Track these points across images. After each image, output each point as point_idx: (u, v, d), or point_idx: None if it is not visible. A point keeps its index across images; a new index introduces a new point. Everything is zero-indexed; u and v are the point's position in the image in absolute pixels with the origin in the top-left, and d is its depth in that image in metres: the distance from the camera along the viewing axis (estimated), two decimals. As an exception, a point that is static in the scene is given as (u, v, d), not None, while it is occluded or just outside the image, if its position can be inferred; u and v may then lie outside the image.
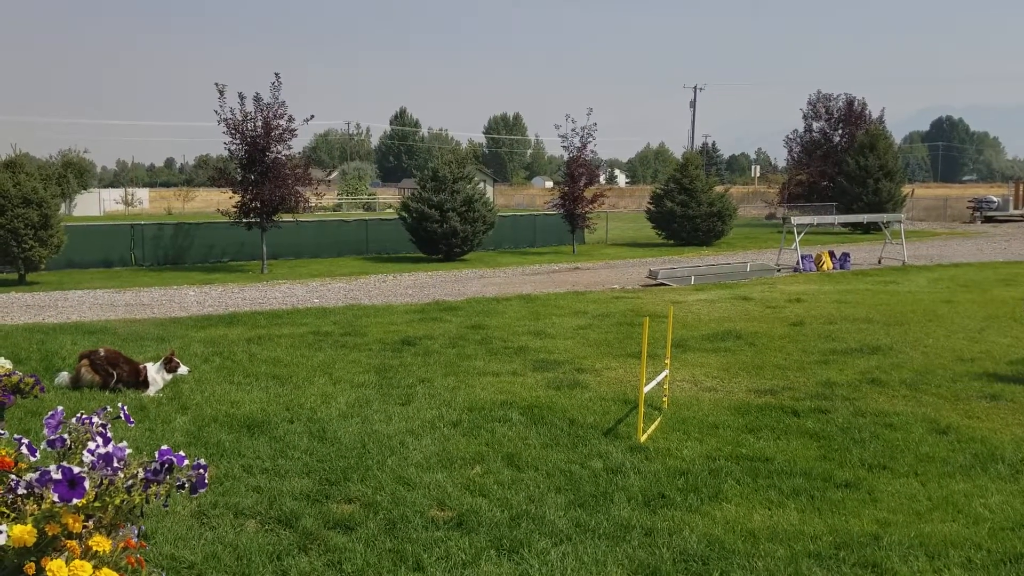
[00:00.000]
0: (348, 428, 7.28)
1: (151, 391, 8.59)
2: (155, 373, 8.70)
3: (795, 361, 10.23)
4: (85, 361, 8.72)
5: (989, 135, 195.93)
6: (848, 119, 45.38)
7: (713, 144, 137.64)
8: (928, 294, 16.47)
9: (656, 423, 7.43)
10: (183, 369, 8.92)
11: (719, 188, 35.19)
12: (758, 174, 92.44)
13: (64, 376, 8.86)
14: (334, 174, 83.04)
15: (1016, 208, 48.15)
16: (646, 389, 7.13)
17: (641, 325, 7.19)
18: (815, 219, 26.95)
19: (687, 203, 31.88)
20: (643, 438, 6.95)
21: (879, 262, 24.20)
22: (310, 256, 27.69)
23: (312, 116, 24.76)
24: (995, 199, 49.46)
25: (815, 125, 46.73)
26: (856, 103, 45.66)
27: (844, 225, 37.65)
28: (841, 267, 22.85)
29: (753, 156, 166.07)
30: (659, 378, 7.92)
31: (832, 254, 23.32)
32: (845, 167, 40.15)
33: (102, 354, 8.78)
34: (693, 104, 79.77)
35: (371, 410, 7.90)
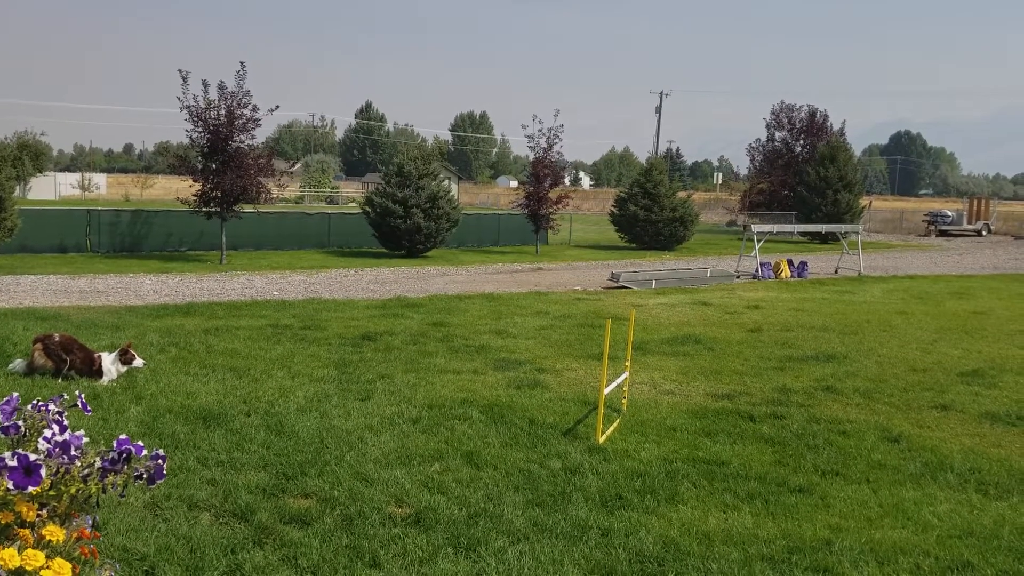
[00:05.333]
0: (306, 422, 7.22)
1: (104, 380, 8.43)
2: (110, 364, 8.54)
3: (752, 367, 10.36)
4: (39, 345, 8.52)
5: (946, 151, 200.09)
6: (810, 130, 46.08)
7: (677, 150, 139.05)
8: (883, 305, 16.78)
9: (615, 425, 7.48)
10: (139, 361, 8.76)
11: (682, 194, 35.44)
12: (720, 181, 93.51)
13: (19, 363, 8.65)
14: (297, 166, 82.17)
15: (970, 223, 49.26)
16: (606, 391, 7.17)
17: (602, 327, 7.24)
18: (775, 227, 27.33)
19: (650, 207, 32.09)
20: (602, 439, 6.99)
21: (836, 272, 24.60)
22: (271, 248, 27.38)
23: (277, 106, 24.50)
24: (950, 213, 50.51)
25: (777, 135, 47.38)
26: (818, 114, 46.39)
27: (803, 234, 38.20)
28: (799, 275, 23.18)
29: (716, 163, 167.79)
30: (619, 380, 7.97)
31: (790, 262, 23.65)
32: (805, 177, 40.76)
33: (56, 339, 8.58)
34: (659, 110, 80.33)
35: (330, 405, 7.84)
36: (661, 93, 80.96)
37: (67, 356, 8.49)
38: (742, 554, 4.92)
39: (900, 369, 10.37)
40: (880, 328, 13.58)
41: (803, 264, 23.90)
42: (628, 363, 8.41)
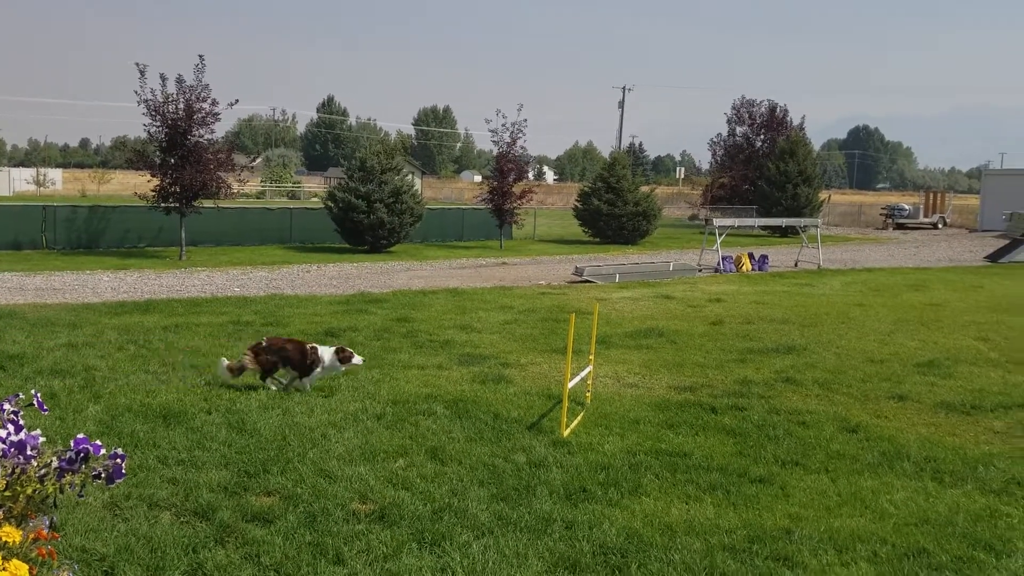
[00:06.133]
0: (268, 420, 7.16)
1: (317, 371, 8.25)
2: (328, 358, 8.27)
3: (714, 359, 10.47)
4: (249, 353, 8.31)
5: (903, 145, 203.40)
6: (770, 125, 46.59)
7: (640, 144, 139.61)
8: (841, 297, 17.04)
9: (579, 418, 7.52)
10: (357, 359, 8.44)
11: (645, 188, 35.70)
12: (682, 176, 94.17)
13: (223, 363, 8.38)
14: (258, 160, 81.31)
15: (926, 216, 50.16)
16: (570, 384, 7.20)
17: (566, 321, 7.27)
18: (736, 221, 27.62)
19: (614, 202, 32.27)
20: (566, 433, 7.02)
21: (796, 265, 24.93)
22: (231, 244, 27.06)
23: (236, 100, 24.22)
24: (907, 207, 51.40)
25: (738, 130, 47.85)
26: (778, 109, 46.92)
27: (763, 228, 38.60)
28: (760, 269, 23.46)
29: (678, 158, 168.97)
30: (583, 374, 8.01)
31: (751, 256, 23.92)
32: (766, 171, 41.21)
33: (264, 344, 8.34)
34: (621, 104, 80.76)
35: (292, 402, 7.79)
36: (624, 88, 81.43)
37: (277, 357, 8.27)
38: (704, 544, 4.98)
39: (858, 360, 10.55)
40: (839, 320, 13.79)
41: (764, 257, 24.19)
42: (592, 357, 8.45)
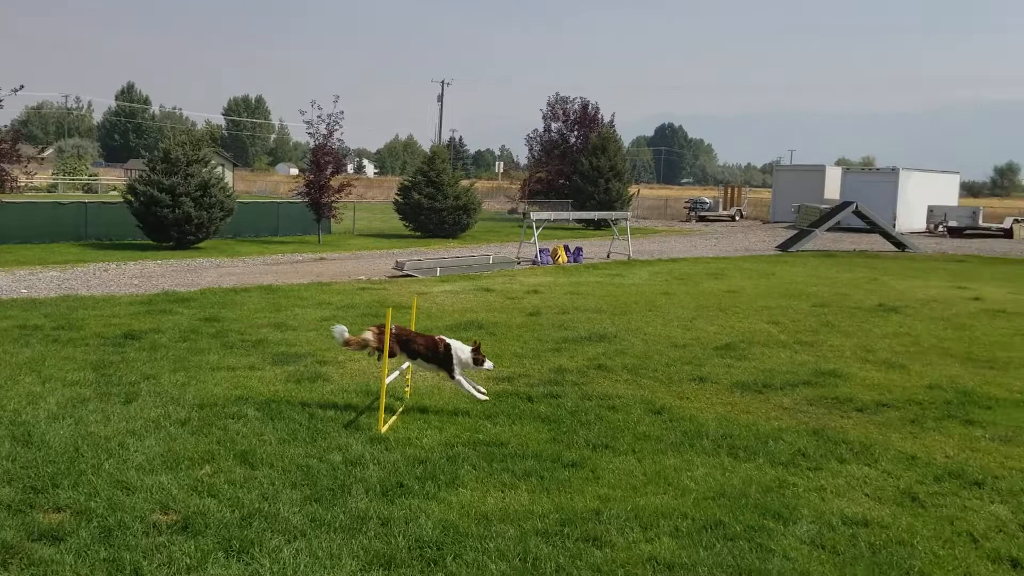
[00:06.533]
0: (58, 431, 6.64)
1: (457, 373, 7.51)
2: (465, 356, 7.53)
3: (531, 349, 10.70)
4: (373, 329, 7.54)
5: (704, 142, 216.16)
6: (583, 121, 48.21)
7: (460, 139, 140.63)
8: (649, 286, 17.88)
9: (397, 414, 7.47)
10: (489, 364, 7.67)
11: (465, 182, 35.95)
12: (502, 170, 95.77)
13: (342, 332, 7.53)
14: (48, 151, 75.15)
15: (725, 209, 53.60)
16: (389, 380, 7.14)
17: (385, 316, 7.19)
18: (552, 215, 28.41)
19: (434, 196, 32.27)
20: (384, 429, 6.96)
21: (608, 256, 25.93)
22: (17, 242, 24.83)
23: (22, 86, 22.33)
24: (707, 200, 54.73)
25: (553, 126, 49.22)
26: (590, 107, 48.62)
27: (578, 221, 39.89)
28: (574, 260, 24.23)
29: (498, 152, 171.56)
30: (402, 368, 7.96)
31: (567, 248, 24.67)
32: (580, 167, 42.60)
33: (394, 331, 7.40)
34: (440, 98, 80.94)
35: (86, 410, 7.25)
36: (443, 82, 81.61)
37: (402, 348, 7.52)
38: (518, 531, 5.07)
39: (663, 345, 11.10)
40: (646, 308, 14.46)
41: (578, 250, 25.00)
42: (409, 351, 8.40)
